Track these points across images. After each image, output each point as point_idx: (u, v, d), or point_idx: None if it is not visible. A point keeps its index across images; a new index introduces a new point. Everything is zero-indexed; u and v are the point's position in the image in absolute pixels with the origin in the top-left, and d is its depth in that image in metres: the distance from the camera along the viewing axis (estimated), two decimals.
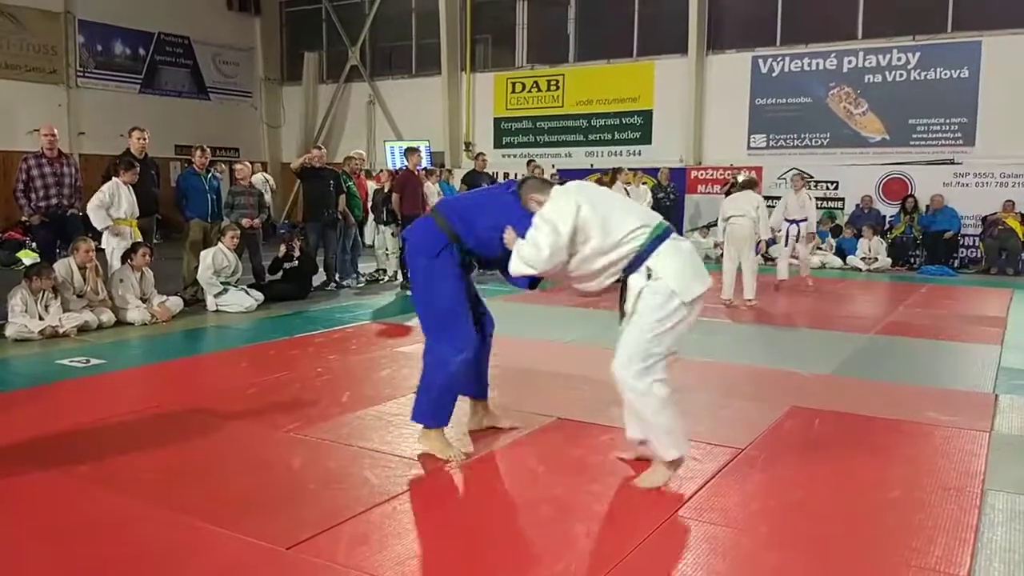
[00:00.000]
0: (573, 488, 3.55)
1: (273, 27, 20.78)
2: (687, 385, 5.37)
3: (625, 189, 11.48)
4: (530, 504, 3.40)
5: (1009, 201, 12.65)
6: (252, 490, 3.50)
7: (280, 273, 9.22)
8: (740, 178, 9.35)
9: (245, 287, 8.58)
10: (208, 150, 9.28)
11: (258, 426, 4.40)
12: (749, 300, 8.73)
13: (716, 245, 14.26)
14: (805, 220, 10.56)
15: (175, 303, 8.00)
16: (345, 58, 19.62)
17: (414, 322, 7.83)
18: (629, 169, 14.35)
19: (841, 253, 13.45)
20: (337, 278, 10.24)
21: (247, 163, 9.98)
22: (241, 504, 3.32)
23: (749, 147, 15.32)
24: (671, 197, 14.63)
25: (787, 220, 10.56)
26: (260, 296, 8.57)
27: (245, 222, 9.06)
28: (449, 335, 3.75)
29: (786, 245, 10.56)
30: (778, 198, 11.61)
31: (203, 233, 8.82)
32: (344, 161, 11.05)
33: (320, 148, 10.56)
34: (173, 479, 3.59)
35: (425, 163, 16.48)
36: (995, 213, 12.73)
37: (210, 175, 9.12)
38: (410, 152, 10.64)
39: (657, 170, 14.98)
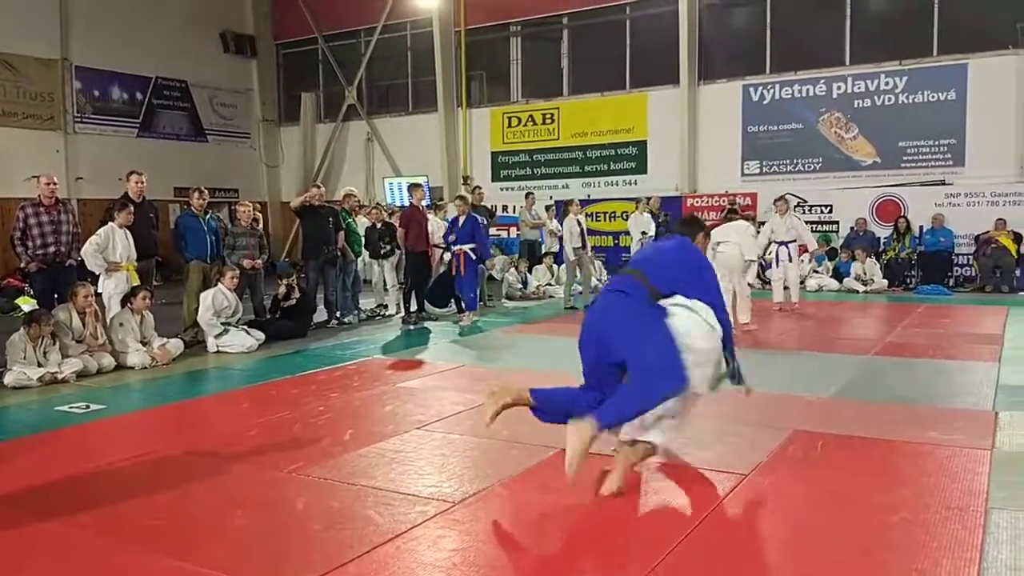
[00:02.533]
0: (579, 521, 3.56)
1: (270, 69, 21.04)
2: (697, 411, 5.39)
3: (577, 221, 11.44)
4: (535, 539, 3.40)
5: (1001, 219, 12.74)
6: (256, 533, 3.50)
7: (279, 312, 9.26)
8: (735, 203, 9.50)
9: (245, 327, 8.60)
10: (206, 191, 9.35)
11: (261, 467, 4.40)
12: (745, 324, 8.72)
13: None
14: (794, 242, 10.67)
15: (175, 345, 8.02)
16: (342, 97, 19.85)
17: (417, 357, 7.89)
18: (634, 199, 14.55)
19: (838, 276, 13.51)
20: (338, 315, 10.27)
21: (248, 204, 10.05)
22: (245, 547, 3.32)
23: (743, 174, 15.46)
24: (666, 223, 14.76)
25: (776, 243, 10.67)
26: (261, 336, 8.59)
27: (247, 263, 9.12)
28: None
29: (777, 266, 10.73)
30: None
31: (202, 274, 8.86)
32: (343, 199, 11.14)
33: (319, 187, 10.66)
34: (177, 525, 3.58)
35: (426, 198, 16.66)
36: (987, 232, 12.81)
37: (208, 216, 9.20)
38: (413, 188, 10.78)
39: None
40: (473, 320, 10.07)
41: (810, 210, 14.54)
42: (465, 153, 18.36)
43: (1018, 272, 12.69)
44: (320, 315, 10.08)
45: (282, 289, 9.33)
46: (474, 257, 10.10)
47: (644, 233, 14.08)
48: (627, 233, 14.65)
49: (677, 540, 3.28)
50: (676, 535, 3.33)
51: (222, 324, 8.34)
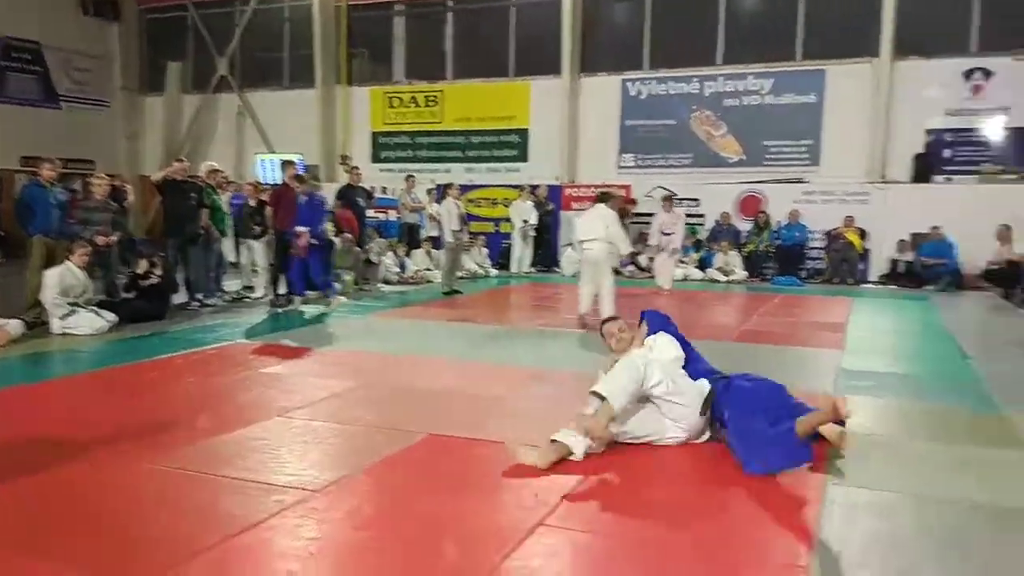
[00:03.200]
0: (442, 504, 3.56)
1: (133, 34, 19.84)
2: (560, 396, 5.51)
3: (456, 204, 11.50)
4: (396, 524, 3.37)
5: (849, 217, 13.66)
6: (102, 526, 3.30)
7: (135, 292, 8.76)
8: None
9: (95, 308, 8.07)
10: (58, 162, 8.73)
11: (109, 457, 4.13)
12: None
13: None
14: (673, 234, 11.99)
15: (15, 326, 7.37)
16: (213, 68, 18.96)
17: (283, 341, 7.67)
18: (517, 186, 14.68)
19: (702, 266, 14.11)
20: (200, 296, 9.84)
21: (103, 176, 9.44)
22: (89, 541, 3.13)
23: (619, 166, 15.87)
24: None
25: (663, 234, 11.92)
26: (113, 317, 8.07)
27: (100, 240, 8.58)
28: None
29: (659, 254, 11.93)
30: (651, 214, 12.92)
31: (47, 250, 8.25)
32: (207, 174, 10.62)
33: (182, 161, 10.13)
34: (14, 520, 3.34)
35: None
36: (837, 228, 13.71)
37: (56, 189, 8.57)
38: (286, 165, 10.40)
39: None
40: (342, 301, 9.83)
41: (679, 203, 15.05)
42: (344, 132, 17.96)
43: (862, 266, 13.66)
44: (180, 296, 9.62)
45: (142, 266, 8.83)
46: (316, 241, 9.80)
47: (525, 221, 14.27)
48: (508, 220, 14.77)
49: (537, 521, 3.33)
50: (536, 517, 3.38)
51: (69, 304, 7.80)
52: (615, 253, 8.53)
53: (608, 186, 15.15)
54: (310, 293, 10.61)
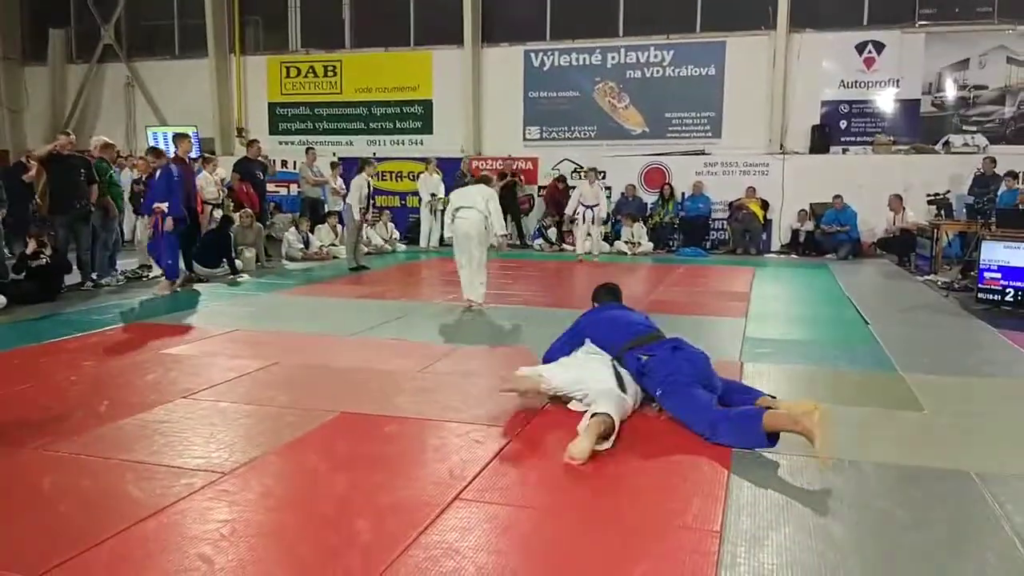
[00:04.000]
0: (356, 482, 3.50)
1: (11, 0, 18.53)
2: (471, 370, 5.49)
3: (367, 181, 11.28)
4: (310, 503, 3.29)
5: (751, 187, 14.09)
6: None
7: (24, 272, 8.25)
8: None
9: None
10: None
11: (0, 445, 3.90)
12: (473, 300, 7.96)
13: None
14: (597, 206, 12.51)
15: None
16: (98, 36, 17.90)
17: (184, 321, 7.37)
18: (422, 159, 14.48)
19: (608, 239, 14.29)
20: (94, 276, 9.34)
21: None
22: None
23: (525, 138, 15.87)
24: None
25: (583, 205, 12.49)
26: (2, 299, 7.62)
27: None
28: None
29: (583, 224, 12.60)
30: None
31: None
32: (100, 148, 10.04)
33: (68, 134, 9.52)
34: None
35: (195, 150, 15.49)
36: (739, 199, 14.12)
37: None
38: (179, 138, 9.92)
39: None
40: (176, 290, 9.05)
41: (585, 175, 15.21)
42: (239, 103, 17.30)
43: (764, 236, 14.14)
44: (72, 277, 9.10)
45: (31, 246, 8.31)
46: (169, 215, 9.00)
47: (433, 195, 14.10)
48: (415, 194, 14.57)
49: (453, 495, 3.31)
50: (452, 491, 3.36)
51: None
52: (490, 230, 8.07)
53: (515, 159, 15.26)
54: (206, 271, 10.23)
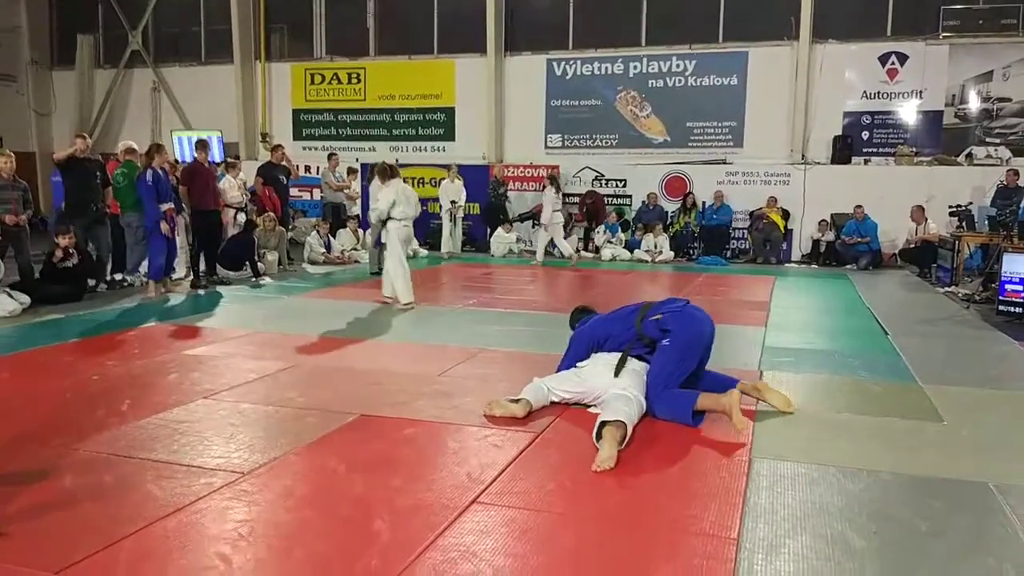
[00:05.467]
0: (374, 484, 3.52)
1: (41, 6, 18.82)
2: (490, 374, 5.51)
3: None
4: (329, 505, 3.32)
5: (772, 197, 14.03)
6: (17, 514, 3.15)
7: (52, 275, 8.38)
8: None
9: (7, 289, 7.72)
10: None
11: (23, 441, 3.96)
12: (392, 298, 8.44)
13: (518, 239, 14.74)
14: (559, 211, 12.97)
15: None
16: (125, 42, 18.17)
17: (205, 323, 7.45)
18: (444, 166, 14.54)
19: (630, 247, 14.30)
20: (116, 277, 9.47)
21: (10, 153, 8.95)
22: (2, 530, 2.98)
23: (546, 146, 15.91)
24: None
25: (552, 211, 12.77)
26: (26, 299, 7.74)
27: (9, 219, 8.17)
28: None
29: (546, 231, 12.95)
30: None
31: None
32: (123, 153, 10.16)
33: (84, 137, 9.64)
34: None
35: (218, 155, 15.68)
36: (760, 208, 14.06)
37: None
38: (200, 146, 10.09)
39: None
40: (162, 292, 9.09)
41: (606, 184, 15.25)
42: (264, 109, 17.48)
43: (785, 245, 14.06)
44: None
45: (59, 251, 8.42)
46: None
47: (454, 202, 14.16)
48: (436, 200, 14.64)
49: (471, 499, 3.33)
50: (470, 495, 3.38)
51: None
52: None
53: (536, 167, 15.30)
54: (229, 273, 10.34)
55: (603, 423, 3.98)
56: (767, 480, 3.63)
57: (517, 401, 4.51)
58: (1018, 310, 7.87)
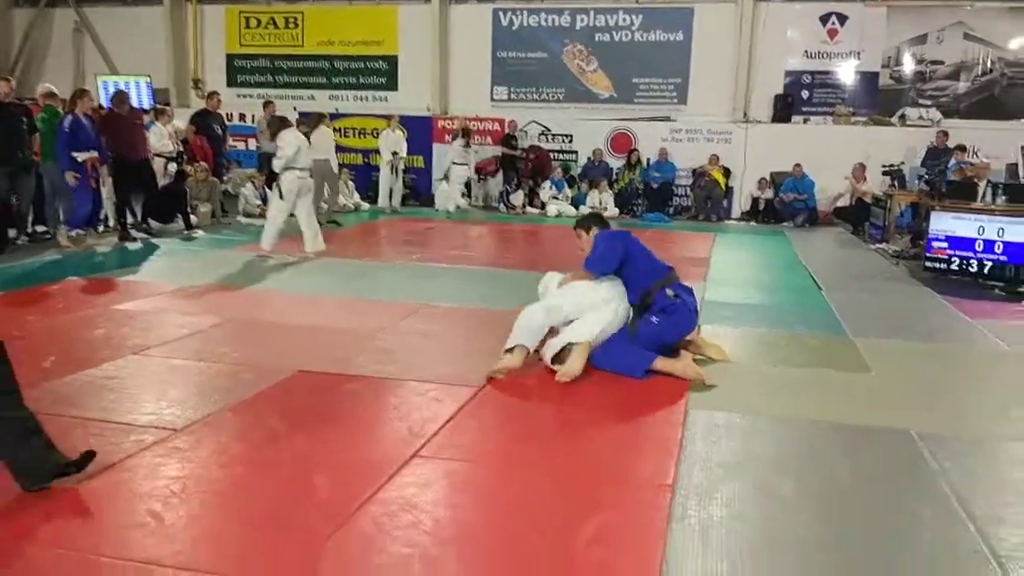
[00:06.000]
0: (313, 440, 3.47)
1: None
2: (433, 330, 5.48)
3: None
4: (266, 462, 3.27)
5: (714, 155, 14.13)
6: None
7: None
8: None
9: None
10: None
11: None
12: (319, 250, 8.47)
13: (464, 194, 14.58)
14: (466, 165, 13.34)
15: None
16: None
17: (134, 276, 7.21)
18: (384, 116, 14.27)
19: (574, 203, 14.26)
20: (38, 229, 9.08)
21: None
22: None
23: (492, 99, 15.67)
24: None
25: (454, 164, 13.18)
26: None
27: None
28: None
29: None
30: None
31: None
32: (43, 97, 9.65)
33: (8, 80, 9.10)
34: None
35: (147, 102, 15.05)
36: (702, 166, 14.18)
37: None
38: (118, 99, 9.71)
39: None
40: (87, 242, 8.80)
41: (553, 139, 15.14)
42: (196, 54, 16.80)
43: (726, 203, 14.24)
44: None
45: None
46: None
47: (395, 153, 13.84)
48: (378, 151, 14.32)
49: (412, 453, 3.31)
50: (410, 448, 3.36)
51: None
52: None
53: (482, 119, 15.10)
54: (159, 225, 10.04)
55: (570, 343, 4.28)
56: (703, 430, 3.71)
57: (511, 351, 4.46)
58: (943, 266, 8.14)
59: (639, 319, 4.65)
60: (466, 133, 13.82)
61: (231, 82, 16.66)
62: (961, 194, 9.14)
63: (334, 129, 12.59)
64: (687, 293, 4.83)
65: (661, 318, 4.62)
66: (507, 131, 14.80)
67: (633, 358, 4.47)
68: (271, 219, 8.54)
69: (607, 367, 4.47)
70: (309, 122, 11.28)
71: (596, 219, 5.23)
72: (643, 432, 3.67)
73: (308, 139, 9.26)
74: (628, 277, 4.74)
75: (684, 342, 4.85)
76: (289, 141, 8.42)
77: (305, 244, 8.46)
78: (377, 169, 14.30)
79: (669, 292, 4.67)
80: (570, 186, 14.50)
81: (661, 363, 4.43)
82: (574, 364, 4.22)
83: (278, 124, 8.86)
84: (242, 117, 15.62)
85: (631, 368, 4.43)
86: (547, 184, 14.38)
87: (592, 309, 4.58)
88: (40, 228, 9.27)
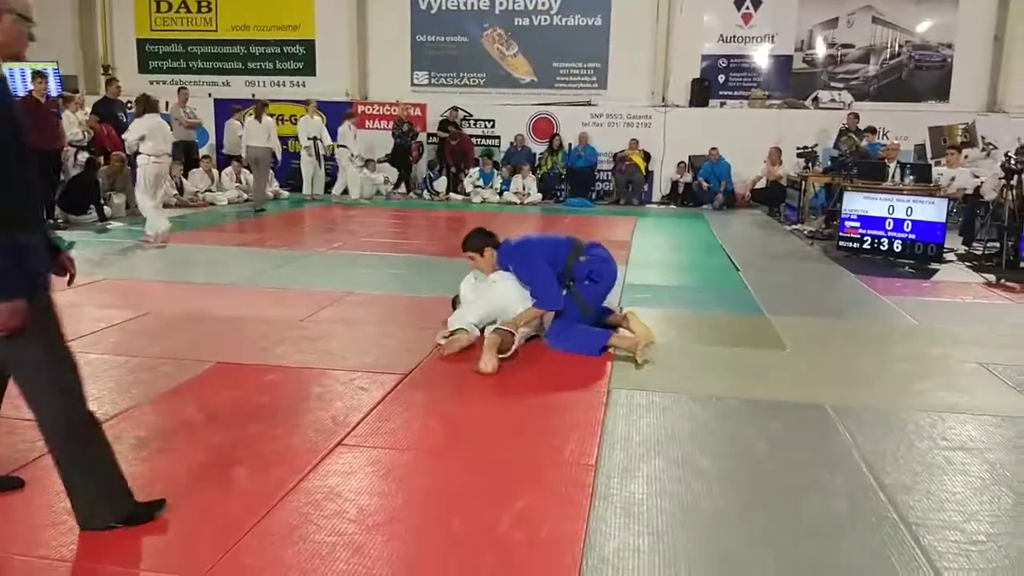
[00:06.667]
0: (233, 432, 3.43)
1: None
2: (356, 318, 5.44)
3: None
4: (186, 454, 3.21)
5: (634, 139, 14.37)
6: None
7: None
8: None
9: None
10: None
11: None
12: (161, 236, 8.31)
13: (386, 180, 14.46)
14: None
15: None
16: None
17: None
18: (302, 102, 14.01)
19: (499, 190, 14.28)
20: None
21: None
22: None
23: (413, 83, 15.55)
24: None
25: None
26: None
27: None
28: None
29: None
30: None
31: None
32: None
33: None
34: None
35: (55, 89, 14.39)
36: (623, 151, 14.39)
37: None
38: (36, 77, 9.27)
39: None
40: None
41: (475, 124, 15.13)
42: (104, 38, 16.14)
43: (646, 187, 14.50)
44: None
45: None
46: None
47: (314, 138, 13.62)
48: (296, 138, 14.06)
49: (336, 441, 3.31)
50: (334, 437, 3.35)
51: None
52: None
53: (404, 105, 14.94)
54: (72, 217, 9.66)
55: (495, 329, 4.38)
56: (624, 409, 3.80)
57: (455, 332, 4.67)
58: (856, 245, 8.49)
59: (571, 292, 4.83)
60: (350, 116, 13.76)
61: (143, 68, 16.12)
62: (871, 174, 9.52)
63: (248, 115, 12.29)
64: (593, 248, 5.07)
65: (590, 281, 4.87)
66: (443, 116, 14.67)
67: (590, 337, 4.72)
68: (141, 208, 8.59)
69: (565, 347, 4.70)
70: (252, 110, 11.24)
71: (484, 236, 5.06)
72: (566, 414, 3.74)
73: (243, 124, 9.07)
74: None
75: (618, 319, 5.02)
76: (136, 126, 8.31)
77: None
78: (297, 156, 14.05)
79: (582, 258, 4.89)
80: (497, 170, 14.46)
81: (615, 339, 4.70)
82: (489, 361, 4.26)
83: (142, 106, 8.45)
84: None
85: (590, 346, 4.67)
86: (474, 172, 14.35)
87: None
88: None
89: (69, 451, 2.56)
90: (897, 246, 8.20)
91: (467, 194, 14.12)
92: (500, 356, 4.33)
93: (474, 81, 15.42)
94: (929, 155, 12.08)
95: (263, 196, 12.08)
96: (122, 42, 16.20)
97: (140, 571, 2.42)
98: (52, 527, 2.61)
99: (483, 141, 15.07)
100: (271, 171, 13.81)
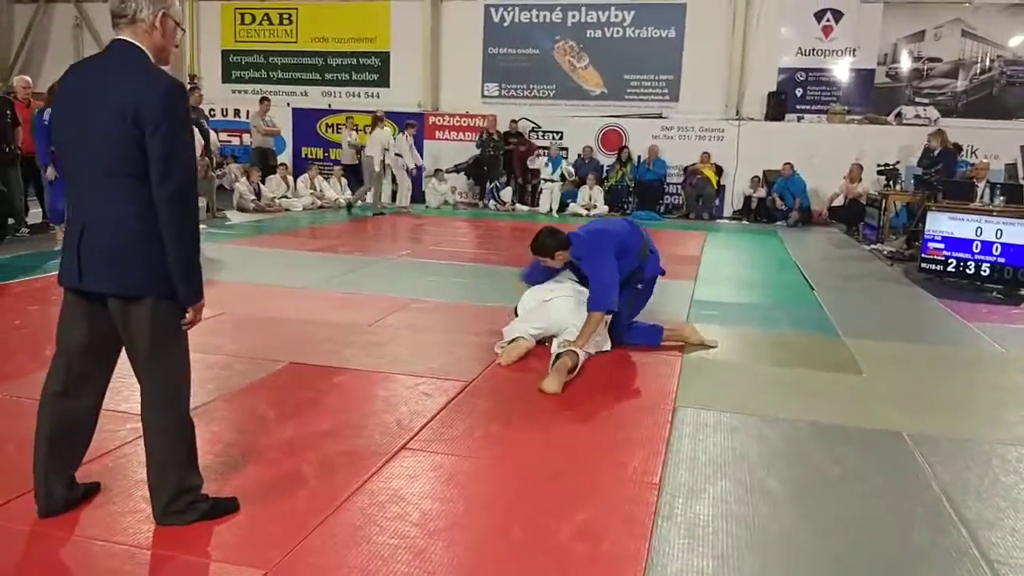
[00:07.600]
0: (303, 430, 3.50)
1: None
2: (423, 324, 5.51)
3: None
4: (257, 450, 3.29)
5: (705, 153, 14.18)
6: None
7: None
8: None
9: None
10: None
11: None
12: None
13: (454, 190, 14.61)
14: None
15: None
16: None
17: None
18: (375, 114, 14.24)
19: (563, 200, 14.26)
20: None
21: None
22: None
23: (483, 95, 15.69)
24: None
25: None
26: None
27: None
28: None
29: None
30: None
31: None
32: (22, 90, 9.66)
33: None
34: None
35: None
36: (694, 164, 14.22)
37: None
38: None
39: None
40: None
41: (543, 135, 15.17)
42: (192, 49, 16.78)
43: (717, 201, 14.28)
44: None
45: None
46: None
47: (387, 150, 13.83)
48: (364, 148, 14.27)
49: (400, 445, 3.34)
50: (399, 441, 3.39)
51: None
52: None
53: (473, 116, 15.08)
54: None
55: (558, 355, 4.34)
56: (690, 428, 3.74)
57: (514, 340, 4.73)
58: (939, 268, 8.16)
59: (626, 291, 4.95)
60: (409, 127, 13.83)
61: (226, 77, 16.67)
62: (959, 194, 9.15)
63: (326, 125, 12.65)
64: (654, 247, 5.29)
65: (642, 285, 5.16)
66: (508, 128, 14.76)
67: (652, 329, 5.14)
68: None
69: (635, 341, 5.05)
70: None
71: (554, 237, 4.85)
72: (630, 430, 3.70)
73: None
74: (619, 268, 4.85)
75: (671, 331, 5.21)
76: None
77: None
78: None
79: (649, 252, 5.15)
80: (562, 179, 14.37)
81: (668, 333, 5.13)
82: (555, 382, 4.16)
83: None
84: (236, 112, 15.61)
85: (653, 337, 5.08)
86: (541, 160, 14.32)
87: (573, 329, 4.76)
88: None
89: (175, 450, 2.64)
90: (985, 270, 7.86)
91: (536, 205, 14.14)
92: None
93: (544, 93, 15.47)
94: (1021, 175, 11.56)
95: (379, 200, 12.80)
96: (208, 53, 16.81)
97: (211, 561, 2.49)
98: (130, 514, 2.71)
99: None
100: (344, 179, 14.11)
